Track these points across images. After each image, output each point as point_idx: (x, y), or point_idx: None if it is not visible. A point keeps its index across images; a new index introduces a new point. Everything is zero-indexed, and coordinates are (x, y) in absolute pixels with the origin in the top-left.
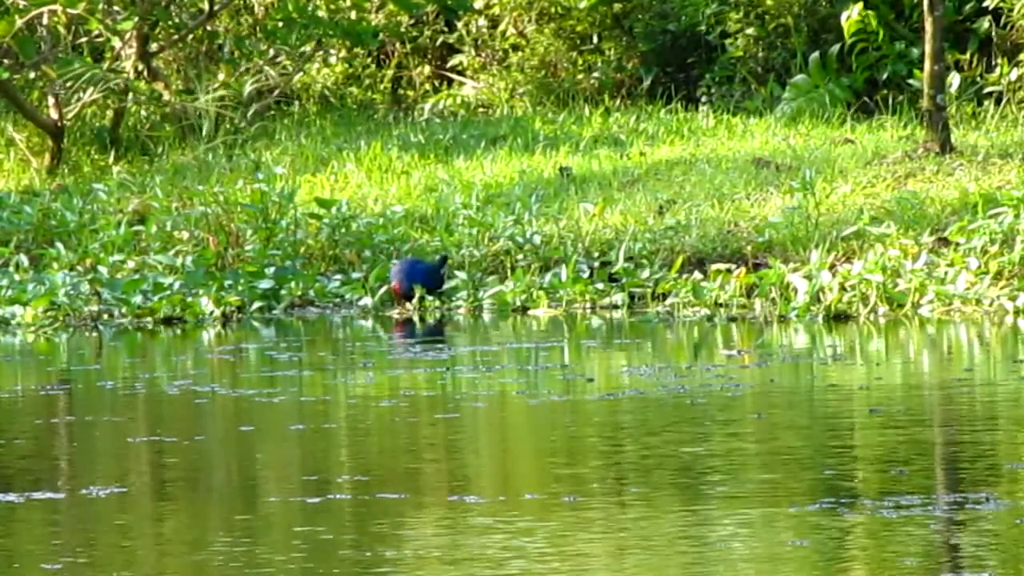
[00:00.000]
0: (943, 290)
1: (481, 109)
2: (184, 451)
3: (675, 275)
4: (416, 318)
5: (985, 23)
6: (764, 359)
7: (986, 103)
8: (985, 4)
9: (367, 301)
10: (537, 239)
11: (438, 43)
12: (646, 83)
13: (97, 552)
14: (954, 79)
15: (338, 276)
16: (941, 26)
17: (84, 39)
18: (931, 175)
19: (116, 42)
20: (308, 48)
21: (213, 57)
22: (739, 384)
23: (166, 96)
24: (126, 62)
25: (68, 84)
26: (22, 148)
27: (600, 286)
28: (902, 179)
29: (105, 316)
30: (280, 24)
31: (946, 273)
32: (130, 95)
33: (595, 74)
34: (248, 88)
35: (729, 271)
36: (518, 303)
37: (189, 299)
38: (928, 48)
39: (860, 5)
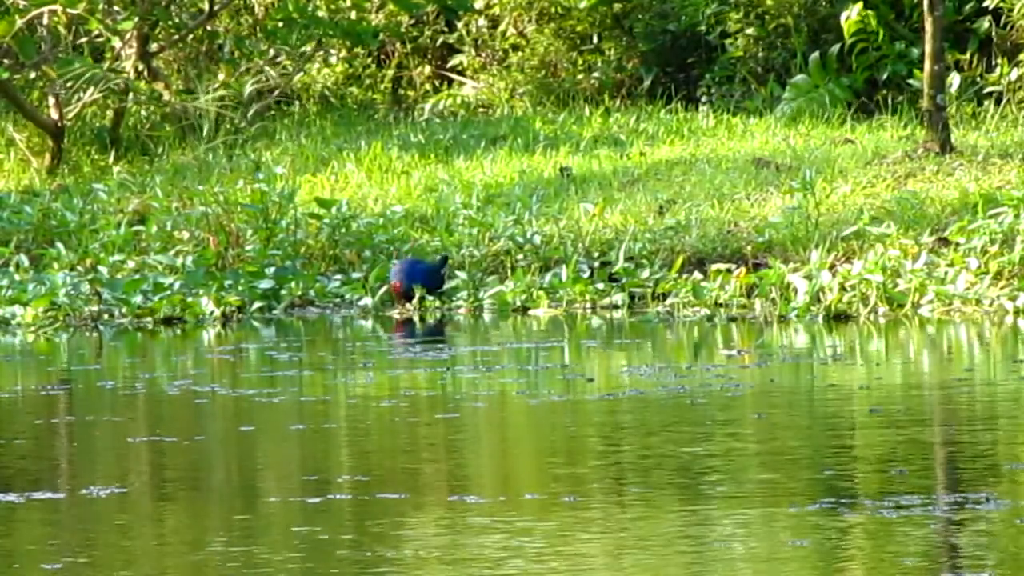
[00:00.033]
0: (943, 290)
1: (481, 109)
2: (184, 451)
3: (675, 275)
4: (416, 318)
5: (985, 23)
6: (764, 359)
7: (986, 103)
8: (985, 4)
9: (367, 301)
10: (537, 239)
11: (438, 43)
12: (646, 83)
13: (97, 552)
14: (954, 79)
15: (338, 276)
16: (941, 26)
17: (84, 39)
18: (931, 175)
19: (116, 42)
20: (308, 48)
21: (213, 57)
22: (739, 384)
23: (166, 96)
24: (126, 62)
25: (68, 84)
26: (22, 148)
27: (600, 286)
28: (902, 179)
29: (105, 316)
30: (280, 24)
31: (946, 273)
32: (130, 95)
33: (595, 74)
34: (248, 88)
35: (729, 271)
36: (518, 303)
37: (189, 299)
38: (928, 48)
39: (860, 5)
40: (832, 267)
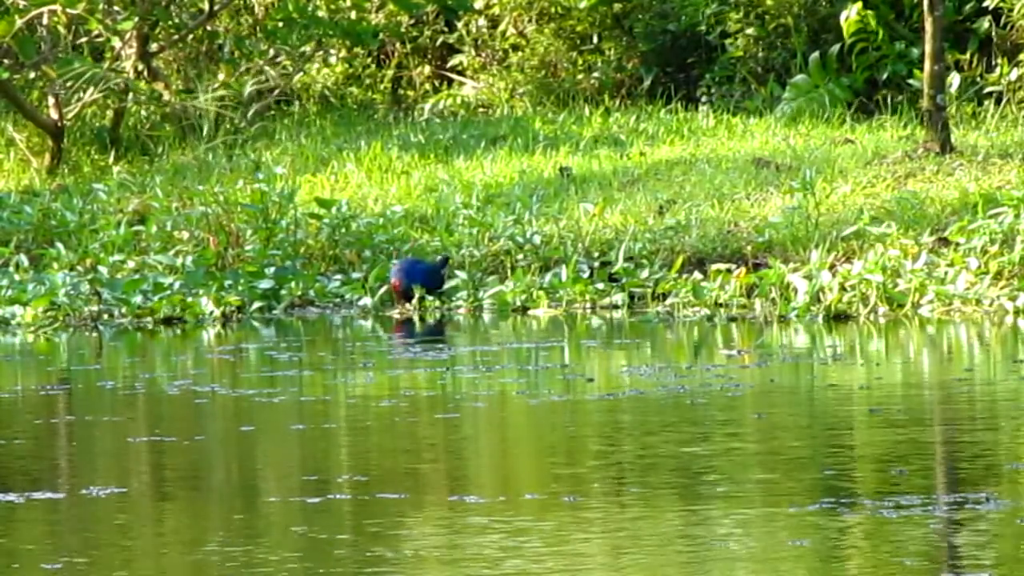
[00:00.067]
0: (943, 290)
1: (481, 109)
2: (184, 451)
3: (675, 275)
4: (416, 318)
5: (985, 23)
6: (764, 359)
7: (986, 103)
8: (985, 4)
9: (367, 301)
10: (537, 239)
11: (438, 43)
12: (646, 83)
13: (97, 552)
14: (954, 79)
15: (338, 276)
16: (941, 26)
17: (84, 39)
18: (931, 175)
19: (116, 42)
20: (308, 48)
21: (213, 57)
22: (739, 384)
23: (166, 96)
24: (126, 62)
25: (68, 84)
26: (22, 148)
27: (600, 286)
28: (902, 179)
29: (105, 316)
30: (280, 24)
31: (946, 273)
32: (130, 95)
33: (595, 74)
34: (248, 88)
35: (729, 271)
36: (518, 303)
37: (189, 299)
38: (928, 48)
39: (859, 5)
40: (832, 267)
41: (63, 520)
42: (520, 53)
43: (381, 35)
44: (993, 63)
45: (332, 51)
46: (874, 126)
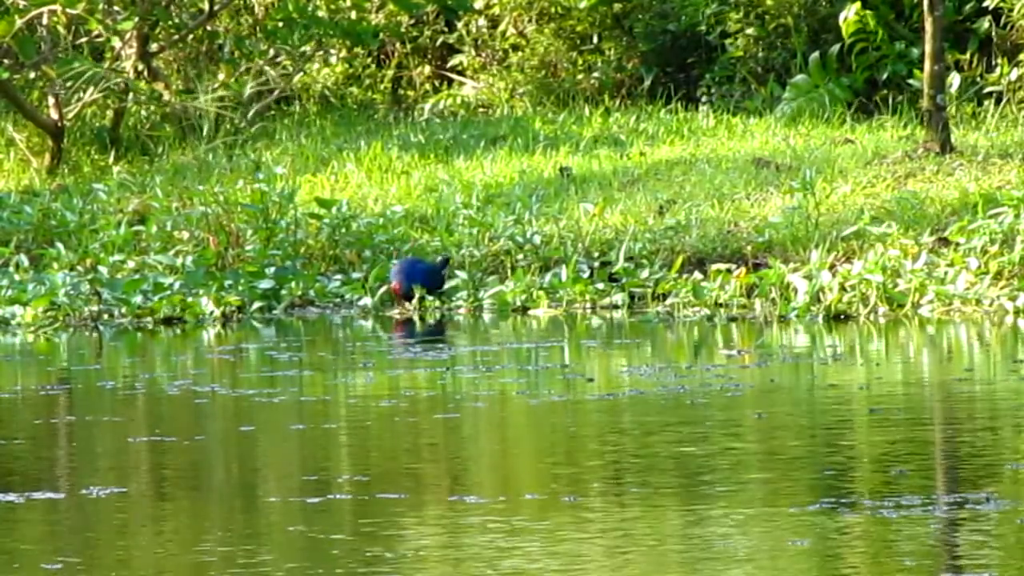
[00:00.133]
0: (943, 290)
1: (481, 109)
2: (184, 451)
3: (675, 275)
4: (416, 318)
5: (985, 23)
6: (764, 359)
7: (986, 103)
8: (985, 4)
9: (367, 301)
10: (537, 239)
11: (438, 43)
12: (646, 83)
13: (97, 552)
14: (954, 79)
15: (338, 276)
16: (941, 26)
17: (84, 39)
18: (931, 175)
19: (116, 42)
20: (308, 48)
21: (213, 57)
22: (739, 384)
23: (166, 96)
24: (126, 62)
25: (68, 84)
26: (22, 148)
27: (600, 286)
28: (902, 179)
29: (105, 316)
30: (280, 24)
31: (946, 273)
32: (130, 95)
33: (595, 74)
34: (248, 88)
35: (729, 271)
36: (518, 303)
37: (189, 299)
38: (928, 48)
39: (858, 5)
40: (832, 267)
41: (63, 520)
42: (520, 53)
43: (381, 35)
44: (993, 63)
45: (332, 51)
46: (874, 126)
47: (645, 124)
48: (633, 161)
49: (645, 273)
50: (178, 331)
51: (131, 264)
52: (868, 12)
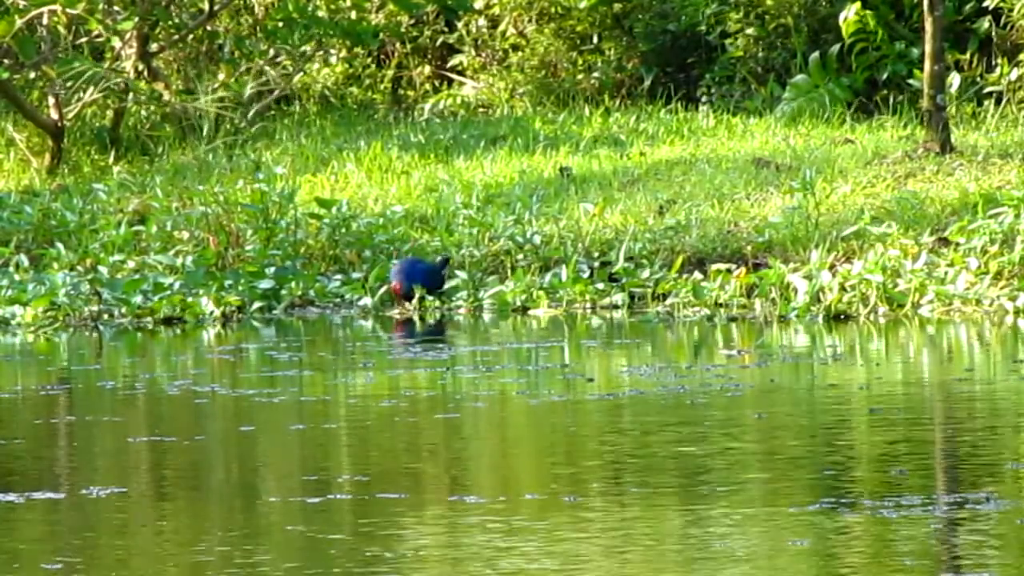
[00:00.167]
0: (943, 290)
1: (481, 109)
2: (184, 451)
3: (675, 275)
4: (416, 318)
5: (985, 23)
6: (764, 359)
7: (986, 103)
8: (985, 4)
9: (367, 301)
10: (537, 239)
11: (438, 43)
12: (646, 83)
13: (97, 552)
14: (954, 79)
15: (338, 276)
16: (941, 26)
17: (84, 39)
18: (931, 175)
19: (116, 42)
20: (308, 48)
21: (213, 57)
22: (739, 384)
23: (166, 96)
24: (126, 62)
25: (68, 84)
26: (22, 148)
27: (600, 286)
28: (902, 179)
29: (105, 316)
30: (280, 24)
31: (946, 273)
32: (130, 95)
33: (595, 74)
34: (248, 88)
35: (729, 271)
36: (518, 303)
37: (189, 299)
38: (928, 48)
39: (858, 5)
40: (832, 267)
41: (63, 520)
42: (520, 53)
43: (381, 35)
44: (993, 63)
45: (332, 51)
46: (874, 126)
47: (645, 124)
48: (633, 161)
49: (645, 273)
50: (178, 331)
51: (131, 264)
52: (868, 12)
